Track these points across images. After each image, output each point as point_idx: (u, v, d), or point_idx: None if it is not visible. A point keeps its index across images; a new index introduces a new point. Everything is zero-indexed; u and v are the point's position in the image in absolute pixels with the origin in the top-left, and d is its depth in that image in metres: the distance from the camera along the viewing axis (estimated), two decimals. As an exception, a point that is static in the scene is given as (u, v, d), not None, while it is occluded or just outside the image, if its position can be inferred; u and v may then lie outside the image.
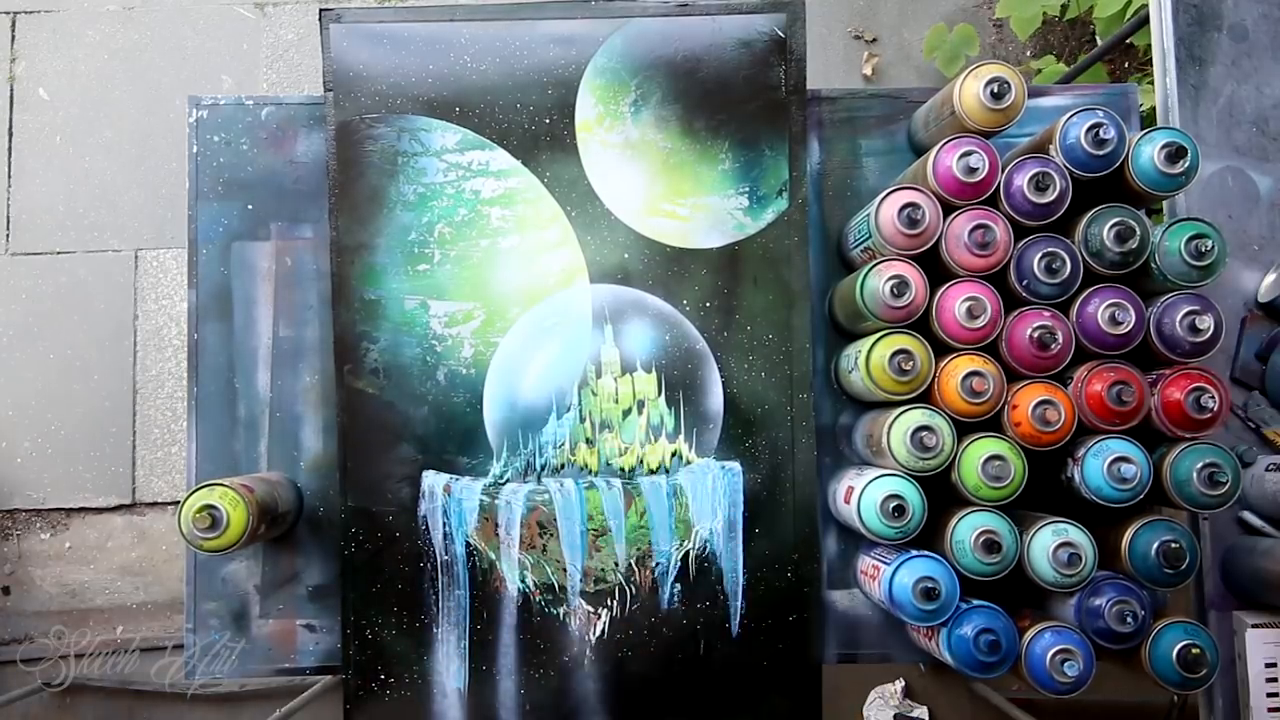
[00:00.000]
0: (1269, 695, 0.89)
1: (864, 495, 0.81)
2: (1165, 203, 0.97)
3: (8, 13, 1.95)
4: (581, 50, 0.93)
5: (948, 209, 0.81)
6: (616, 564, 0.92)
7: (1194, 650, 0.76)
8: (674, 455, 0.92)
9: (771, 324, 0.93)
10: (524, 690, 0.91)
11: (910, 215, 0.79)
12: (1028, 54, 1.96)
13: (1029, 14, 1.61)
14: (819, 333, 0.96)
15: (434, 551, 0.91)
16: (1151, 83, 1.05)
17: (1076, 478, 0.80)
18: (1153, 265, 0.79)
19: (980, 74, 0.82)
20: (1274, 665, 0.90)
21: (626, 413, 0.92)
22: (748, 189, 0.93)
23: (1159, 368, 0.81)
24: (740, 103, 0.93)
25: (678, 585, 0.92)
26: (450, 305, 0.92)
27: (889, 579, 0.81)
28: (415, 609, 0.91)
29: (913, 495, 0.80)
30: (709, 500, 0.92)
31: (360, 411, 0.92)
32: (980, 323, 0.79)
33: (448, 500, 0.91)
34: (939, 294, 0.81)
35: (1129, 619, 0.76)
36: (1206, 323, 0.77)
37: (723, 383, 0.92)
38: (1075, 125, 0.79)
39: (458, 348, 0.92)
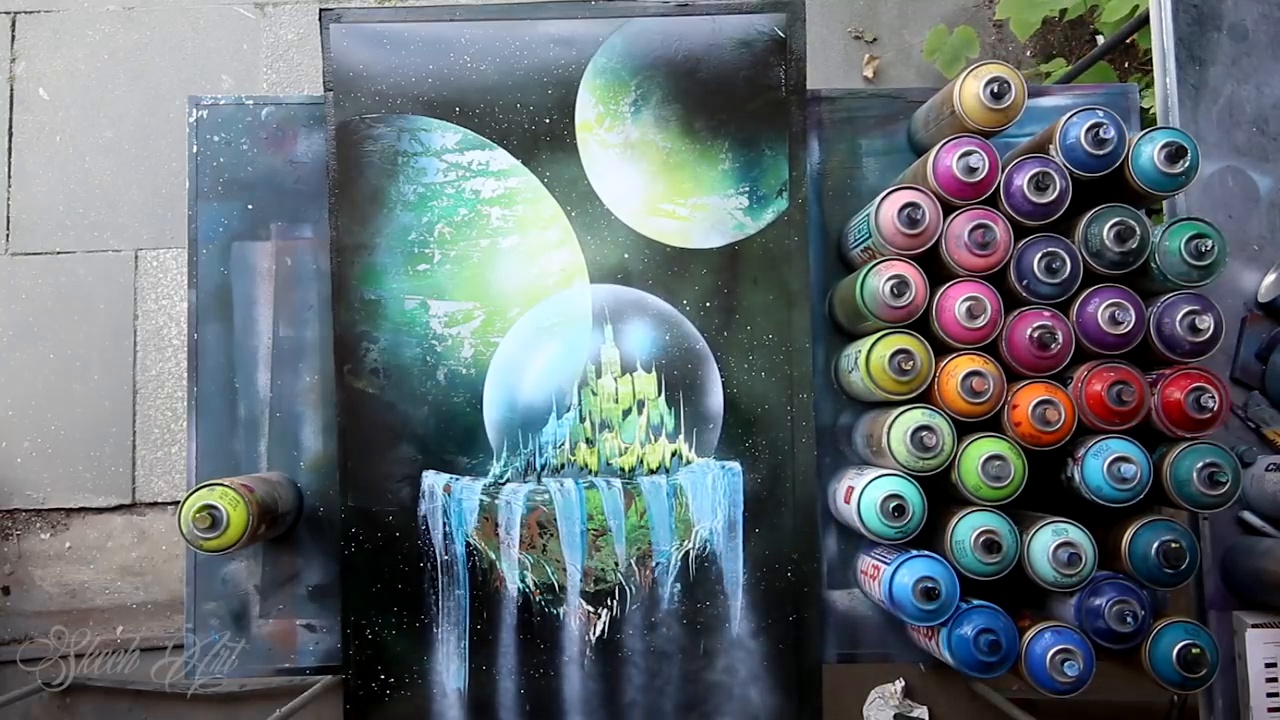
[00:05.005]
0: (1269, 695, 0.89)
1: (864, 495, 0.81)
2: (1165, 203, 0.97)
3: (8, 13, 1.95)
4: (581, 50, 0.93)
5: (948, 209, 0.81)
6: (616, 564, 0.92)
7: (1194, 650, 0.76)
8: (674, 455, 0.92)
9: (771, 324, 0.93)
10: (524, 690, 0.91)
11: (910, 215, 0.79)
12: (1028, 54, 1.96)
13: (1030, 17, 1.61)
14: (819, 333, 0.96)
15: (434, 551, 0.91)
16: (1152, 83, 1.05)
17: (1076, 478, 0.79)
18: (1153, 265, 0.79)
19: (980, 74, 0.82)
20: (1274, 665, 0.90)
21: (626, 413, 0.92)
22: (748, 189, 0.93)
23: (1159, 368, 0.81)
24: (740, 103, 0.93)
25: (678, 585, 0.92)
26: (450, 305, 0.92)
27: (889, 579, 0.81)
28: (415, 609, 0.91)
29: (913, 495, 0.80)
30: (709, 500, 0.92)
31: (360, 411, 0.91)
32: (980, 323, 0.79)
33: (448, 500, 0.91)
34: (939, 294, 0.81)
35: (1129, 619, 0.76)
36: (1206, 323, 0.77)
37: (723, 383, 0.92)
38: (1075, 125, 0.79)
39: (458, 348, 0.92)
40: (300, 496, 0.95)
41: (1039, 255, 0.79)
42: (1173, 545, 0.77)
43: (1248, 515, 0.94)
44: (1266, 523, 0.93)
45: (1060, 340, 0.78)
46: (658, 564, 0.92)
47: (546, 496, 0.92)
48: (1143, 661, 0.79)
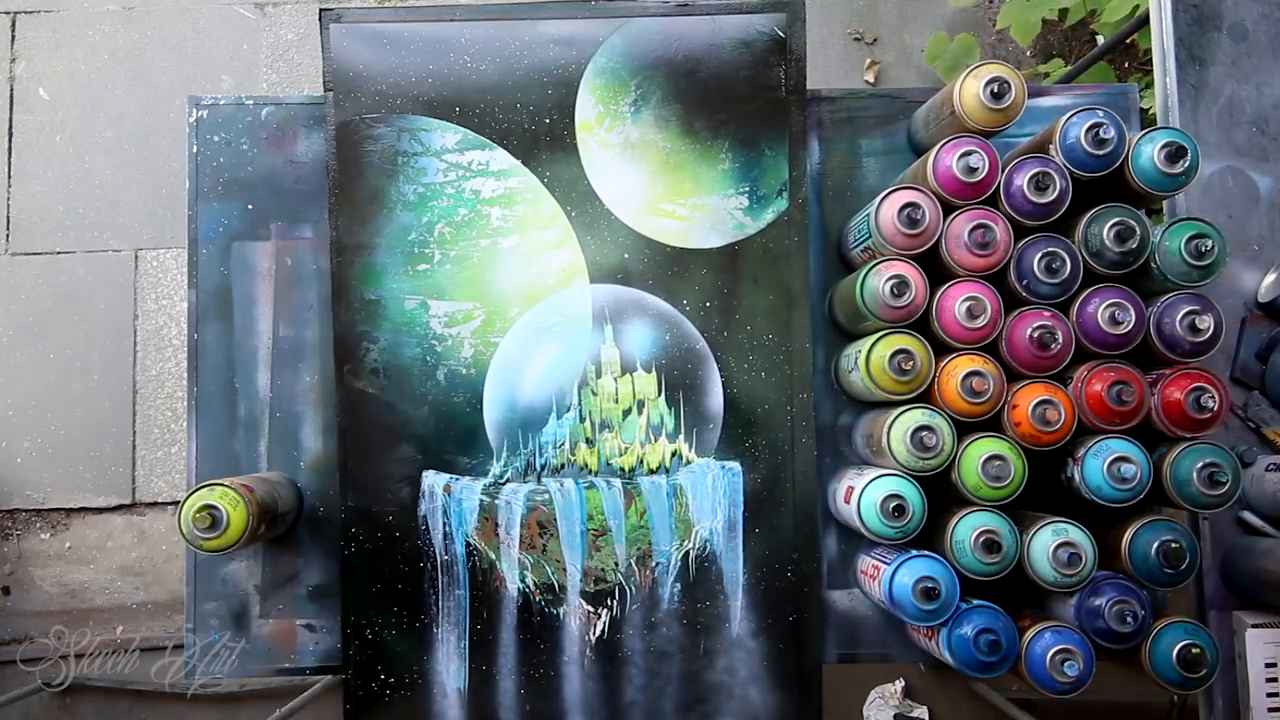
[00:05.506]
0: (1269, 695, 0.89)
1: (864, 495, 0.81)
2: (1165, 203, 0.97)
3: (8, 13, 1.95)
4: (581, 50, 0.93)
5: (948, 209, 0.81)
6: (616, 564, 0.92)
7: (1194, 650, 0.76)
8: (674, 455, 0.92)
9: (771, 324, 0.93)
10: (524, 690, 0.91)
11: (910, 215, 0.79)
12: (1028, 54, 1.96)
13: (1030, 17, 1.61)
14: (819, 333, 0.96)
15: (434, 551, 0.91)
16: (1152, 83, 1.05)
17: (1076, 478, 0.79)
18: (1153, 265, 0.79)
19: (980, 74, 0.82)
20: (1274, 665, 0.90)
21: (626, 413, 0.92)
22: (748, 189, 0.93)
23: (1159, 368, 0.81)
24: (740, 103, 0.93)
25: (678, 585, 0.92)
26: (450, 305, 0.92)
27: (889, 579, 0.81)
28: (415, 609, 0.91)
29: (913, 495, 0.80)
30: (709, 500, 0.92)
31: (360, 411, 0.91)
32: (980, 323, 0.79)
33: (448, 500, 0.91)
34: (939, 294, 0.81)
35: (1129, 619, 0.76)
36: (1206, 323, 0.77)
37: (723, 383, 0.92)
38: (1075, 125, 0.79)
39: (458, 348, 0.92)
40: (300, 496, 0.95)
41: (1039, 255, 0.79)
42: (1173, 545, 0.77)
43: (1248, 515, 0.94)
44: (1266, 523, 0.93)
45: (1060, 340, 0.78)
46: (658, 564, 0.92)
47: (546, 496, 0.92)
48: (1143, 661, 0.79)
